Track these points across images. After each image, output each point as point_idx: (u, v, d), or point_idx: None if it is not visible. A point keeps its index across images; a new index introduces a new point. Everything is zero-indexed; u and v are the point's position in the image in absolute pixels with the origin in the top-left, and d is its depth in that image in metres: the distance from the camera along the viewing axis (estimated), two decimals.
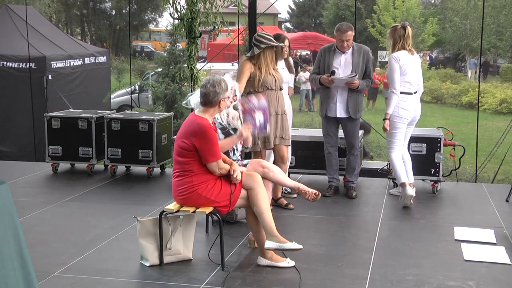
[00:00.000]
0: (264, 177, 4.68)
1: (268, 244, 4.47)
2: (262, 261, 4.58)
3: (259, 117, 4.75)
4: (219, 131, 5.00)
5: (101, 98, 14.60)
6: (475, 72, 30.21)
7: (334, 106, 6.43)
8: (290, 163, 6.80)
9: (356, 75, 6.24)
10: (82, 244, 5.06)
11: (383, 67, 25.60)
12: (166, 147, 7.63)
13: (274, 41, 5.66)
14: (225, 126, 5.06)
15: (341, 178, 6.86)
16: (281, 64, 6.24)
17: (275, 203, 6.03)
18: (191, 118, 4.50)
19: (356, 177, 6.67)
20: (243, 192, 4.50)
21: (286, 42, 6.24)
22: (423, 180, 7.00)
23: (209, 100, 4.44)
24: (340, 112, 6.41)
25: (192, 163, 4.44)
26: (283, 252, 4.59)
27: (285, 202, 6.12)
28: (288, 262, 4.56)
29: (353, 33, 6.39)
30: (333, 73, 6.32)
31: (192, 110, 4.82)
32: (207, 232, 5.39)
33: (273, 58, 5.74)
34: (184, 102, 5.24)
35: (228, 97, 4.61)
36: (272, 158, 6.00)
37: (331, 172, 6.66)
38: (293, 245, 4.47)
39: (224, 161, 4.54)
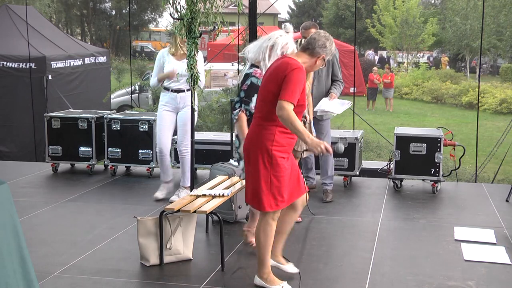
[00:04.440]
0: None
1: (256, 280, 4.20)
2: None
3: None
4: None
5: (101, 98, 14.58)
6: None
7: None
8: None
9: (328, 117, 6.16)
10: (82, 244, 5.06)
11: (382, 67, 25.57)
12: None
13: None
14: None
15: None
16: None
17: None
18: (281, 60, 3.96)
19: (330, 179, 6.43)
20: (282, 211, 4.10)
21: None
22: (423, 180, 7.01)
23: (313, 47, 3.97)
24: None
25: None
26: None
27: None
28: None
29: (309, 30, 5.98)
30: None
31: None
32: (207, 232, 5.39)
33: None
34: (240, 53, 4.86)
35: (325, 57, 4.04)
36: None
37: (304, 171, 6.57)
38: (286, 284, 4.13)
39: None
